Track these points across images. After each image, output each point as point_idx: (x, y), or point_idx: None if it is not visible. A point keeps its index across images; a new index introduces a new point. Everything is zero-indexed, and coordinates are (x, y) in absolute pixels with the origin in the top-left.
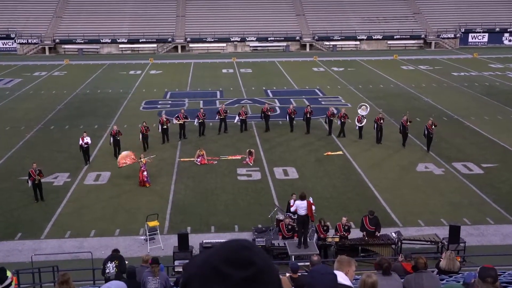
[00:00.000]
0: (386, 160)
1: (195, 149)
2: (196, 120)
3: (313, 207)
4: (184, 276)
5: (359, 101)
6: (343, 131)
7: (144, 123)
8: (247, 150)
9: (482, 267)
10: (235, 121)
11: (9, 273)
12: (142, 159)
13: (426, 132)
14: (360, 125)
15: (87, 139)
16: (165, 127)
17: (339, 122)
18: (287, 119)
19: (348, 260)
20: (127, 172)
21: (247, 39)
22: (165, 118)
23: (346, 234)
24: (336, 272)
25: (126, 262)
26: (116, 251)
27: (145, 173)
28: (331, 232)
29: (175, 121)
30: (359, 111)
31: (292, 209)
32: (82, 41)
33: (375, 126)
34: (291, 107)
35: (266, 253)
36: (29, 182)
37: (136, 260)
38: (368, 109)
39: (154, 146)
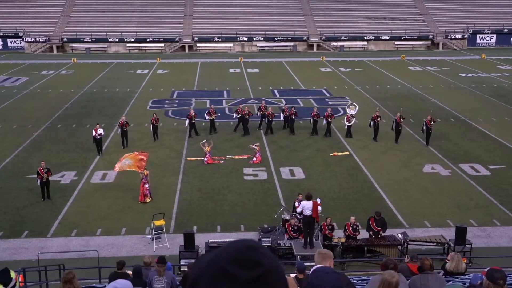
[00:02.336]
0: (393, 161)
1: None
2: (234, 115)
3: (319, 208)
4: (191, 276)
5: (366, 102)
6: (329, 130)
7: (155, 115)
8: (253, 145)
9: (491, 269)
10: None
11: (13, 274)
12: (144, 171)
13: (425, 127)
14: (349, 124)
15: (100, 131)
16: (193, 121)
17: (324, 122)
18: (265, 121)
19: (330, 254)
20: (134, 171)
21: (254, 39)
22: (193, 113)
23: (355, 234)
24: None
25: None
26: (121, 263)
27: (146, 185)
28: (339, 232)
29: (207, 117)
30: (347, 110)
31: (298, 209)
32: (90, 40)
33: (371, 124)
34: (270, 110)
35: (272, 253)
36: (38, 180)
37: (142, 259)
38: (357, 108)
39: (164, 137)
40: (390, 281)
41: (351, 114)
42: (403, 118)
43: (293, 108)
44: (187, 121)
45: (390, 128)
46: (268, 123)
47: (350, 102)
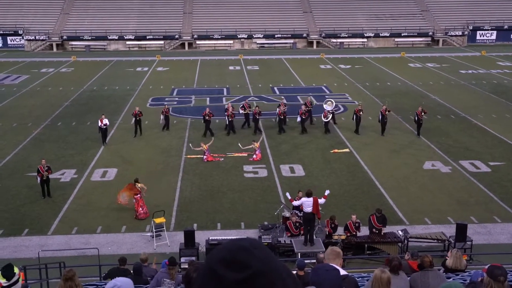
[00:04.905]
0: (393, 158)
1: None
2: (278, 110)
3: (323, 200)
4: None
5: (366, 99)
6: (304, 128)
7: (166, 106)
8: (252, 146)
9: (492, 266)
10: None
11: (16, 270)
12: (140, 185)
13: (416, 118)
14: (326, 120)
15: (106, 121)
16: (230, 119)
17: (298, 119)
18: (227, 121)
19: (341, 254)
20: (134, 169)
21: (254, 36)
22: (232, 107)
23: (358, 232)
24: (332, 264)
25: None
26: (122, 260)
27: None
28: (340, 230)
29: (241, 111)
30: (324, 106)
31: (296, 203)
32: (89, 38)
33: (354, 117)
34: (230, 109)
35: (271, 253)
36: (38, 178)
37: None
38: (334, 104)
39: (164, 135)
40: (381, 276)
41: (328, 110)
42: (388, 111)
43: (257, 108)
44: (227, 118)
45: (378, 122)
46: (229, 123)
47: (327, 98)
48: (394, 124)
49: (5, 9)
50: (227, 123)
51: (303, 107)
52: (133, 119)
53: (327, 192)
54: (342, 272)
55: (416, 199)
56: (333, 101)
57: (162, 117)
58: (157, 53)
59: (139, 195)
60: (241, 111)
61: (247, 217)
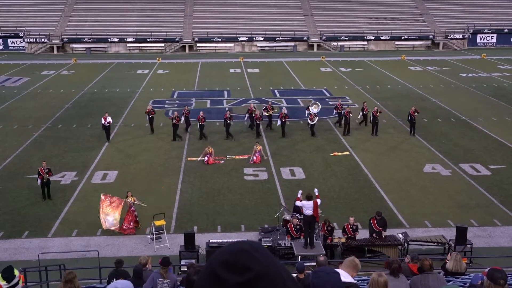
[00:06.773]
0: (393, 160)
1: (203, 148)
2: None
3: (319, 201)
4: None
5: (367, 102)
6: (284, 131)
7: (186, 107)
8: (254, 147)
9: (492, 269)
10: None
11: (16, 272)
12: (130, 198)
13: (409, 117)
14: (312, 123)
15: (109, 119)
16: (253, 115)
17: (279, 123)
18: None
19: (359, 268)
20: (135, 171)
21: (254, 39)
22: (254, 107)
23: (355, 234)
24: (339, 270)
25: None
26: (119, 262)
27: (135, 212)
28: (338, 232)
29: (264, 113)
30: (310, 109)
31: (298, 203)
32: (90, 40)
33: (344, 120)
34: (228, 113)
35: (272, 255)
36: (38, 180)
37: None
38: (320, 107)
39: (165, 137)
40: (378, 280)
41: (314, 113)
42: (379, 112)
43: (228, 112)
44: (246, 115)
45: (370, 123)
46: (201, 128)
47: (313, 101)
48: (394, 126)
49: (6, 11)
50: (253, 123)
51: (283, 110)
52: (147, 116)
53: (316, 191)
54: (348, 279)
55: (416, 202)
56: (319, 104)
57: (182, 118)
58: (158, 55)
59: (133, 208)
60: (264, 114)
61: (247, 219)
